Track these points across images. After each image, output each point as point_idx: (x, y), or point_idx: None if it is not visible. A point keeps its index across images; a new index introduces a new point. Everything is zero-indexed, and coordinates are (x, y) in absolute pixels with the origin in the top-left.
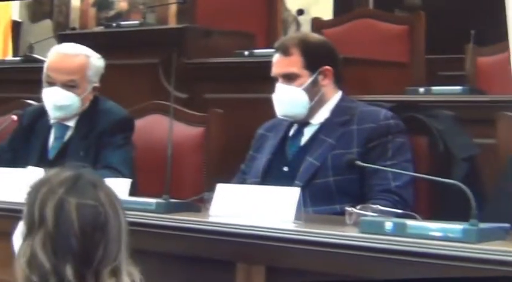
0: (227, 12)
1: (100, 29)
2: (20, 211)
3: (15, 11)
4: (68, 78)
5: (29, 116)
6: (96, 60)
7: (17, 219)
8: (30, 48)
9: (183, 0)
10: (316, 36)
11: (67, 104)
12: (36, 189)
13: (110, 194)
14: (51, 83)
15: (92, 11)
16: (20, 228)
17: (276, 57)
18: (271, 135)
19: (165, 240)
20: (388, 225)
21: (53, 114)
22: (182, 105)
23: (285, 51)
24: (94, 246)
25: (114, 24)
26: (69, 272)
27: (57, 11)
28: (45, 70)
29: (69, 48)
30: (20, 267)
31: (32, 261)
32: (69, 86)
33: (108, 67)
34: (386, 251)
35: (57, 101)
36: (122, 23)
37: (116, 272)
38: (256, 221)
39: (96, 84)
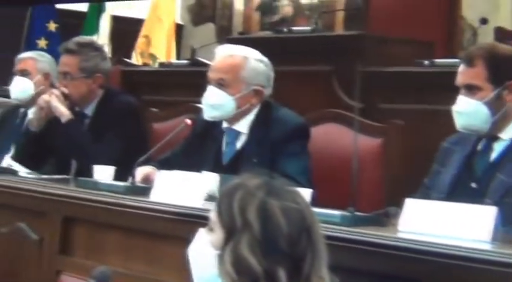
0: (400, 20)
1: (268, 33)
2: (196, 216)
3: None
4: (218, 76)
5: (202, 121)
6: (255, 62)
7: (194, 224)
8: (193, 52)
9: (357, 6)
10: (505, 48)
11: (218, 103)
12: (229, 194)
13: (306, 200)
14: (209, 83)
15: (256, 15)
16: (207, 235)
17: (461, 67)
18: (457, 149)
19: (351, 255)
20: None
21: (206, 114)
22: (356, 114)
23: (469, 61)
24: (302, 250)
25: (285, 30)
26: (282, 274)
27: (220, 14)
28: None
29: (228, 49)
30: (225, 272)
31: (239, 266)
32: (219, 84)
33: (276, 73)
34: None
35: (208, 100)
36: (293, 28)
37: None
38: (450, 239)
39: (259, 88)
